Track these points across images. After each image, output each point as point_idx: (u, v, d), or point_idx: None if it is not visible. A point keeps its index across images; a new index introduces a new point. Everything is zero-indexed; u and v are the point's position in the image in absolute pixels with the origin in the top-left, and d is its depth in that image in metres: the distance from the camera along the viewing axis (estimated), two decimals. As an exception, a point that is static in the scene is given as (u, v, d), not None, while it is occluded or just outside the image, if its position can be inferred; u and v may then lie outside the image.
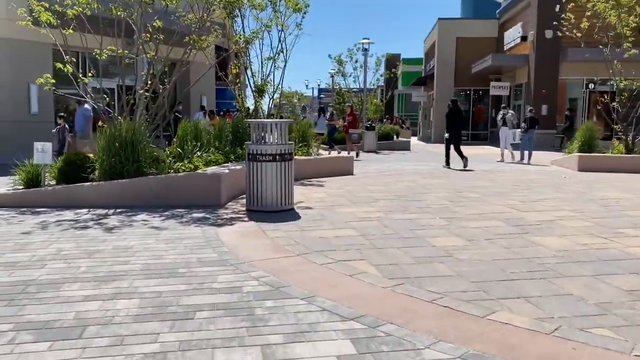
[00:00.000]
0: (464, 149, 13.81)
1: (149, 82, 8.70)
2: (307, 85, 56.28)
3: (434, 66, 33.63)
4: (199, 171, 7.56)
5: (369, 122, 23.76)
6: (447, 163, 13.62)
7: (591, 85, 18.26)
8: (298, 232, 5.46)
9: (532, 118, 15.81)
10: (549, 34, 23.60)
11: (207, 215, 6.38)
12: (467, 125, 13.70)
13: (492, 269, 4.15)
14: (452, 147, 13.65)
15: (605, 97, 14.32)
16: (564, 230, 5.59)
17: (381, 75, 24.91)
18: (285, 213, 6.51)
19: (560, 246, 4.89)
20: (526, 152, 15.48)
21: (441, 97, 31.69)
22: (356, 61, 24.74)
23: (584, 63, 22.95)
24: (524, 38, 25.84)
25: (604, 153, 13.76)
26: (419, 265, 4.23)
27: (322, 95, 78.06)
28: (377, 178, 10.72)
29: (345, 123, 19.53)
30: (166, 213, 6.50)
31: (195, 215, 6.40)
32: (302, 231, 5.49)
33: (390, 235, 5.29)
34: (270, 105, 12.20)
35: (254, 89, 11.04)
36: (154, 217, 6.28)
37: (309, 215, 6.42)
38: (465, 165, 13.11)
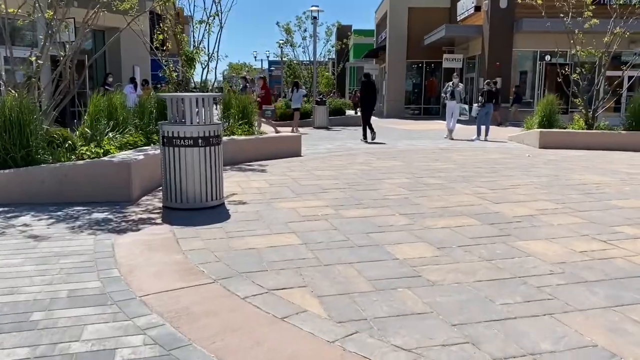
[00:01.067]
0: (417, 123, 12.81)
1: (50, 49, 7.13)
2: (255, 57, 53.87)
3: (385, 38, 32.53)
4: (106, 158, 6.12)
5: (320, 97, 22.49)
6: (365, 137, 13.87)
7: (547, 57, 17.62)
8: (223, 240, 4.23)
9: (490, 91, 14.97)
10: (503, 3, 22.86)
11: (110, 216, 5.03)
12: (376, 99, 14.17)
13: (476, 298, 3.06)
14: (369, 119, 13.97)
15: (566, 69, 13.59)
16: (551, 230, 4.59)
17: (332, 47, 23.49)
18: (211, 211, 5.25)
19: (553, 255, 3.87)
20: (483, 128, 14.66)
21: (393, 70, 30.73)
22: (305, 30, 23.30)
23: (539, 34, 22.37)
24: (477, 8, 24.99)
25: (565, 129, 13.07)
26: (379, 294, 3.10)
27: (272, 68, 75.75)
28: (327, 160, 9.55)
29: (258, 98, 18.13)
30: (58, 213, 5.11)
31: (95, 216, 5.05)
32: (228, 239, 4.26)
33: (341, 243, 4.14)
34: (204, 77, 10.76)
35: (183, 57, 9.58)
36: (40, 219, 4.89)
37: (241, 214, 5.19)
38: (373, 138, 13.63)
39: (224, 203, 5.61)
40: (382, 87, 31.37)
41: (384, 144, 13.31)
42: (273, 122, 17.00)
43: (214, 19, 9.94)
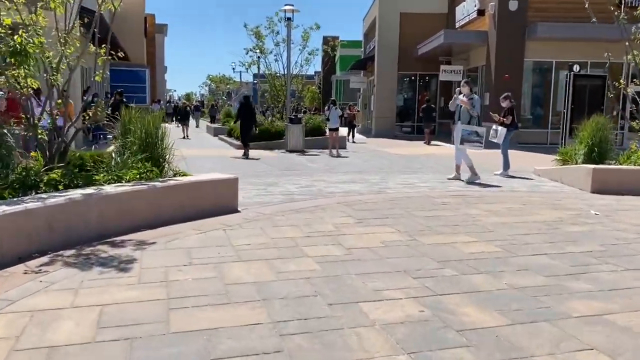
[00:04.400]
0: (411, 145, 9.00)
1: None
2: (234, 69, 49.59)
3: (374, 47, 28.94)
4: None
5: (294, 113, 18.74)
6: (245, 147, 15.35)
7: (576, 68, 14.10)
8: None
9: (511, 109, 11.26)
10: (513, 5, 19.33)
11: None
12: (255, 118, 16.64)
13: None
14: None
15: (621, 80, 9.91)
16: None
17: (309, 54, 19.86)
18: None
19: None
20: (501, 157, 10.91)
21: (383, 83, 27.09)
22: (277, 33, 19.57)
23: (557, 42, 18.96)
24: (481, 12, 21.46)
25: (619, 164, 9.36)
26: None
27: (255, 81, 71.82)
28: (272, 228, 5.64)
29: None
30: None
31: None
32: None
33: None
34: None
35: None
36: None
37: None
38: (245, 155, 14.87)
39: None
40: (370, 102, 27.68)
41: (370, 181, 9.48)
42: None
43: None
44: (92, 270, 3.97)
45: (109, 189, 5.26)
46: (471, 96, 9.45)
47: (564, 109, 14.32)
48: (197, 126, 37.58)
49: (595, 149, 9.45)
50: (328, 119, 17.06)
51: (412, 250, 4.69)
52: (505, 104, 11.15)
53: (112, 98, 17.53)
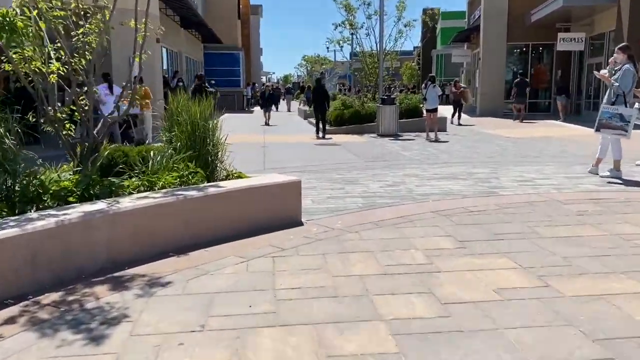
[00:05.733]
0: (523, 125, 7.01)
1: None
2: (327, 48, 47.72)
3: (479, 16, 26.15)
4: None
5: (386, 93, 17.00)
6: (317, 132, 15.57)
7: None
8: None
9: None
10: (654, -46, 16.01)
11: None
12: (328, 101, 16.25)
13: None
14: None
15: None
16: None
17: (405, 25, 17.90)
18: None
19: None
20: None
21: (489, 56, 24.35)
22: (369, 4, 17.78)
23: None
24: (610, -34, 18.20)
25: None
26: None
27: (351, 60, 70.00)
28: (332, 261, 4.14)
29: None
30: None
31: None
32: None
33: None
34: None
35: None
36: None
37: None
38: (323, 137, 15.05)
39: None
40: (474, 77, 25.07)
41: (476, 175, 7.67)
42: None
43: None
44: (57, 337, 2.73)
45: (127, 202, 4.03)
46: (623, 66, 7.10)
47: None
48: (288, 110, 36.49)
49: None
50: (425, 99, 15.10)
51: (546, 309, 2.99)
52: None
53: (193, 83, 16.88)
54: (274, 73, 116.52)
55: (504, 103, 23.94)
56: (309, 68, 64.52)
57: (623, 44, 7.29)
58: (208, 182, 5.05)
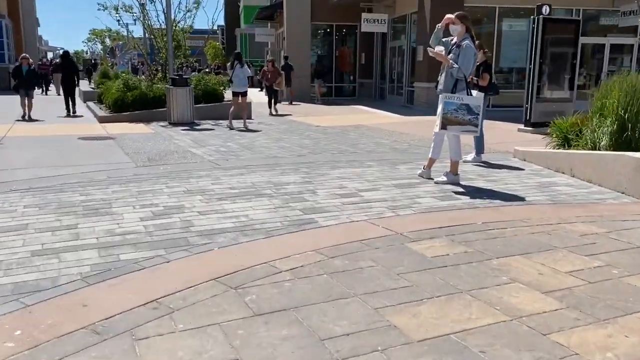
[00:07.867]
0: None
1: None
2: (118, 21, 41.60)
3: (283, -7, 24.51)
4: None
5: (178, 73, 14.26)
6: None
7: (545, 10, 10.82)
8: None
9: (486, 64, 7.72)
10: (452, -64, 15.67)
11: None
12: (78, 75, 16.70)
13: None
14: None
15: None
16: None
17: (195, 3, 15.38)
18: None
19: None
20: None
21: (294, 37, 22.84)
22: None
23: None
24: (410, -53, 17.77)
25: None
26: None
27: (151, 36, 63.93)
28: None
29: None
30: None
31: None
32: None
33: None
34: None
35: None
36: None
37: None
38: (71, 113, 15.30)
39: None
40: (279, 59, 23.40)
41: (285, 189, 5.55)
42: None
43: None
44: None
45: None
46: (463, 41, 5.57)
47: (530, 64, 11.06)
48: (58, 94, 27.28)
49: (629, 125, 6.12)
50: (232, 80, 12.57)
51: None
52: (478, 57, 7.51)
53: None
54: (62, 48, 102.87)
55: (311, 87, 22.71)
56: (106, 43, 57.33)
57: (460, 12, 5.72)
58: None
